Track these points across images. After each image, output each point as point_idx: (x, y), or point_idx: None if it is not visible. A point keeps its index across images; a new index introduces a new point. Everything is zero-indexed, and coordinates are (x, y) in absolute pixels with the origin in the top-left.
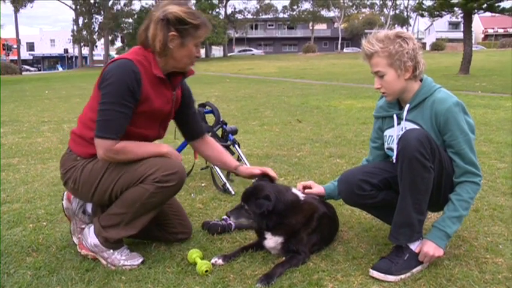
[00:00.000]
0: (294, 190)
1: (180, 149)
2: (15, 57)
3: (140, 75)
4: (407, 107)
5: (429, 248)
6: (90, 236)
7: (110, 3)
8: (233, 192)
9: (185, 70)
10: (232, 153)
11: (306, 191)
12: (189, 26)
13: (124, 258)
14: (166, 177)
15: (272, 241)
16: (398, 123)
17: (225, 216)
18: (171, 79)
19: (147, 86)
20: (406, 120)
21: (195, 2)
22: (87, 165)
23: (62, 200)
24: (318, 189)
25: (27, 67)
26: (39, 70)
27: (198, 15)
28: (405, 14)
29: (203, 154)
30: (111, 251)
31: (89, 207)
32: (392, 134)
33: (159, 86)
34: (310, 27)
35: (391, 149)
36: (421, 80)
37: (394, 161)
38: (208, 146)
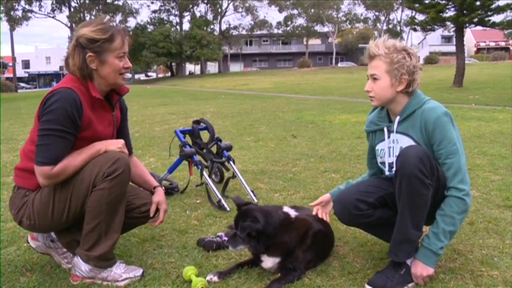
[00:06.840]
0: (285, 208)
1: (174, 166)
2: (11, 75)
3: (81, 102)
4: (397, 118)
5: (417, 268)
6: (82, 264)
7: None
8: (228, 209)
9: (118, 85)
10: (228, 169)
11: (317, 207)
12: (101, 41)
13: (123, 271)
14: (111, 167)
15: (269, 262)
16: (389, 136)
17: (220, 233)
18: (109, 100)
19: (88, 111)
20: (396, 132)
21: (189, 19)
22: (35, 196)
23: (28, 242)
24: (325, 197)
25: (22, 84)
26: (35, 87)
27: (108, 28)
28: (398, 28)
29: None
30: (108, 268)
31: (53, 233)
32: (384, 148)
33: (99, 109)
34: (305, 43)
35: (383, 163)
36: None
37: (390, 173)
38: (133, 163)
